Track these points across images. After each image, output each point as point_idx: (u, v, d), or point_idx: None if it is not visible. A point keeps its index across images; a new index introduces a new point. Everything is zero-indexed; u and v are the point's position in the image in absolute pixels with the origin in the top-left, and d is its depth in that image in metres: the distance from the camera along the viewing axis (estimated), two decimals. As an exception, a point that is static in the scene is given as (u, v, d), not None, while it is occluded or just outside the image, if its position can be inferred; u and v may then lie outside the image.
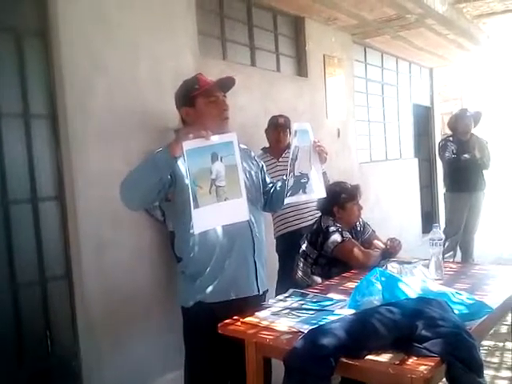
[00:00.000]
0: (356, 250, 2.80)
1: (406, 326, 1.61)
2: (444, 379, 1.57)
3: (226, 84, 2.15)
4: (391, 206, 6.57)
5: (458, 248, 5.60)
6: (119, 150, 2.80)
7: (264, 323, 1.90)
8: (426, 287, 1.94)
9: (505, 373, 3.12)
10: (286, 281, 3.08)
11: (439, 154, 5.65)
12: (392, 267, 2.42)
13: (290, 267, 3.15)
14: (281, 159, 3.64)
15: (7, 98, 2.48)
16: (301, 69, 4.96)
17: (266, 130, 3.83)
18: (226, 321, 1.95)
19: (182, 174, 1.99)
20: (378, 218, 5.43)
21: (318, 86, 5.06)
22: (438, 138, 7.91)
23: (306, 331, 1.71)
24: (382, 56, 6.83)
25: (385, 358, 1.55)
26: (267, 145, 3.84)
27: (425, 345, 1.55)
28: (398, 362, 1.52)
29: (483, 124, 5.71)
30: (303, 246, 3.00)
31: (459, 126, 5.43)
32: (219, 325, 1.94)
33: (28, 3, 2.58)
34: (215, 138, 1.79)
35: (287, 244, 3.61)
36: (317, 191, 2.16)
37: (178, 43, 3.27)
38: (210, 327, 1.99)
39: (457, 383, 1.52)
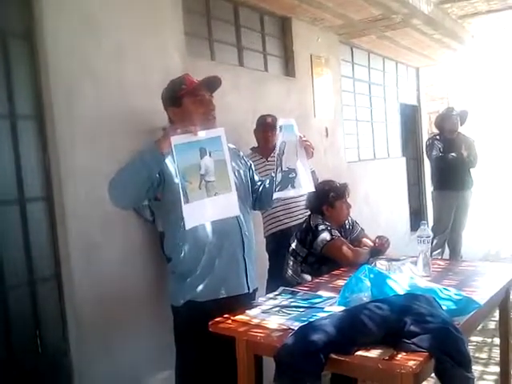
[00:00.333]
0: (345, 248, 2.82)
1: (395, 322, 1.63)
2: (433, 374, 1.59)
3: (212, 83, 2.15)
4: (379, 205, 6.61)
5: (446, 246, 5.65)
6: (107, 151, 2.79)
7: (255, 321, 1.91)
8: (414, 284, 1.95)
9: (493, 368, 3.16)
10: (276, 279, 3.09)
11: (426, 152, 5.70)
12: (380, 264, 2.44)
13: (279, 266, 3.16)
14: (270, 159, 3.65)
15: (-7, 99, 2.46)
16: (288, 69, 4.97)
17: (255, 130, 3.84)
18: (217, 319, 1.96)
19: (171, 172, 1.99)
20: (366, 216, 5.46)
21: (305, 86, 5.08)
22: (425, 137, 7.97)
23: (296, 328, 1.72)
24: (368, 56, 6.87)
25: (374, 353, 1.57)
26: (256, 144, 3.85)
27: (413, 340, 1.57)
28: (387, 358, 1.53)
29: (470, 123, 5.77)
30: (293, 245, 3.01)
31: (446, 124, 5.48)
32: (210, 323, 1.95)
33: (13, 4, 2.56)
34: (203, 134, 1.80)
35: (277, 243, 3.63)
36: (305, 186, 2.17)
37: (165, 44, 3.27)
38: (200, 326, 1.99)
39: (445, 378, 1.53)
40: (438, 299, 1.79)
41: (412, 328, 1.59)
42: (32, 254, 2.58)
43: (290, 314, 1.95)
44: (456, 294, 1.87)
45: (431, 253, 4.04)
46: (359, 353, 1.58)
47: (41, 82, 2.61)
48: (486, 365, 3.27)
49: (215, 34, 4.08)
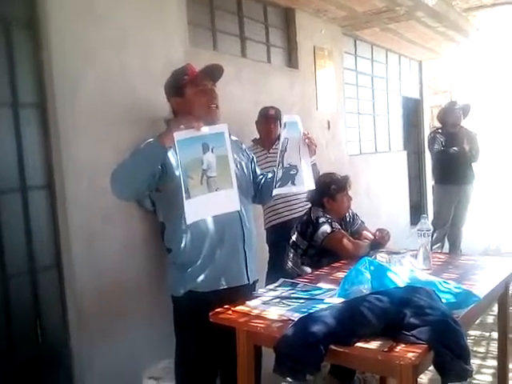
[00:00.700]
0: (345, 241, 2.82)
1: (395, 314, 1.63)
2: (431, 366, 1.60)
3: (214, 72, 2.14)
4: (380, 198, 6.61)
5: (446, 240, 5.66)
6: (109, 140, 2.79)
7: (255, 312, 1.92)
8: (415, 276, 1.96)
9: (491, 362, 3.17)
10: (276, 271, 3.10)
11: (428, 146, 5.68)
12: (381, 257, 2.45)
13: (280, 258, 3.17)
14: (271, 151, 3.64)
15: (-5, 87, 2.46)
16: (291, 60, 4.95)
17: (257, 122, 3.83)
18: (218, 309, 1.97)
19: (173, 164, 1.99)
20: (367, 209, 5.46)
21: (308, 78, 5.06)
22: (427, 131, 7.96)
23: (296, 319, 1.72)
24: (371, 48, 6.85)
25: (374, 345, 1.57)
26: (258, 136, 3.85)
27: (413, 332, 1.57)
28: (386, 349, 1.54)
29: (472, 117, 5.75)
30: (293, 237, 3.02)
31: (448, 118, 5.46)
32: (211, 313, 1.95)
33: (17, -7, 2.56)
34: (206, 129, 1.80)
35: (277, 235, 3.63)
36: (306, 183, 2.16)
37: (168, 33, 3.26)
38: (200, 316, 2.00)
39: (444, 370, 1.54)
40: (437, 292, 1.79)
41: (411, 320, 1.59)
42: (33, 242, 2.59)
43: (290, 305, 1.95)
44: (456, 287, 1.87)
45: (431, 247, 4.03)
46: (359, 344, 1.58)
47: (44, 70, 2.61)
48: (483, 358, 3.28)
49: (218, 24, 4.07)
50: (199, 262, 2.08)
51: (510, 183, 10.83)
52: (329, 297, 1.98)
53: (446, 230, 5.57)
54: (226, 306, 1.98)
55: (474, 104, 5.92)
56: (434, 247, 5.28)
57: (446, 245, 5.67)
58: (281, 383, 2.89)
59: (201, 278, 2.08)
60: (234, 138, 2.28)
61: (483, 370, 3.10)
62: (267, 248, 3.79)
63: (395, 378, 1.56)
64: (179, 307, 2.16)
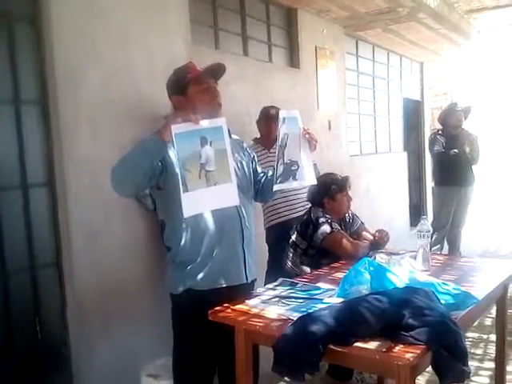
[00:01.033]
0: (345, 241, 2.82)
1: (393, 315, 1.64)
2: (430, 367, 1.60)
3: (217, 71, 2.15)
4: (380, 199, 6.62)
5: (445, 241, 5.66)
6: (110, 138, 2.79)
7: (254, 311, 1.93)
8: (414, 277, 1.96)
9: (488, 364, 3.17)
10: (276, 271, 3.11)
11: (429, 147, 5.70)
12: (380, 258, 2.45)
13: (279, 258, 3.17)
14: (272, 150, 3.64)
15: (-3, 84, 2.46)
16: (293, 60, 4.96)
17: (258, 121, 3.83)
18: (217, 308, 1.97)
19: (173, 161, 1.99)
20: (367, 210, 5.46)
21: (309, 78, 5.07)
22: (427, 132, 7.97)
23: (295, 318, 1.73)
24: (373, 49, 6.85)
25: (372, 345, 1.58)
26: (258, 135, 3.85)
27: (411, 333, 1.58)
28: (384, 350, 1.55)
29: (473, 119, 5.75)
30: (293, 237, 3.02)
31: (450, 120, 5.47)
32: (210, 311, 1.96)
33: (19, -12, 2.56)
34: (204, 123, 1.80)
35: (277, 235, 3.63)
36: (307, 178, 2.17)
37: (171, 31, 3.25)
38: (198, 314, 2.01)
39: (442, 371, 1.55)
40: (436, 293, 1.80)
41: (410, 321, 1.60)
42: (33, 239, 2.59)
43: (289, 304, 1.96)
44: (454, 289, 1.88)
45: (430, 248, 4.03)
46: (357, 344, 1.59)
47: (46, 67, 2.60)
48: (481, 360, 3.29)
49: (220, 23, 4.07)
50: (198, 260, 2.09)
51: (509, 186, 10.84)
52: (328, 297, 1.99)
53: (446, 231, 5.58)
54: (225, 305, 1.99)
55: (474, 106, 5.92)
56: (434, 249, 5.29)
57: (446, 246, 5.68)
58: (278, 382, 2.89)
59: (200, 276, 2.09)
60: (235, 136, 2.29)
61: (481, 372, 3.10)
62: (267, 247, 3.79)
63: (393, 378, 1.57)
64: (178, 305, 2.17)
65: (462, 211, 5.58)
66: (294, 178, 2.14)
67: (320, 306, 1.85)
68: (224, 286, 2.11)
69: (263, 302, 2.02)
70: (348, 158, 5.87)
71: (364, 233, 3.12)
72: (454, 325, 1.61)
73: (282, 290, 2.16)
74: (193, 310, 2.08)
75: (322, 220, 2.89)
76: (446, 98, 10.23)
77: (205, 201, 1.82)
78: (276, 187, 2.14)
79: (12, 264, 2.50)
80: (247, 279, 2.20)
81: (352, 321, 1.64)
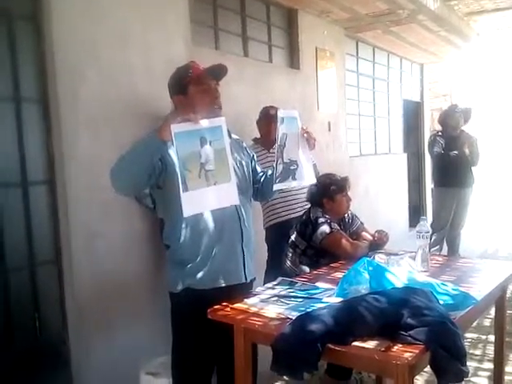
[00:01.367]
0: (344, 241, 2.83)
1: (392, 314, 1.64)
2: (428, 367, 1.61)
3: (218, 72, 2.15)
4: (380, 200, 6.62)
5: (445, 243, 5.67)
6: (110, 138, 2.79)
7: (253, 309, 1.93)
8: (413, 277, 1.97)
9: (487, 365, 3.17)
10: (275, 270, 3.11)
11: (428, 149, 5.70)
12: (379, 258, 2.46)
13: (278, 257, 3.17)
14: (272, 150, 3.64)
15: (-2, 81, 2.46)
16: (293, 61, 4.96)
17: (258, 121, 3.83)
18: (216, 306, 1.97)
19: (173, 161, 1.99)
20: (366, 211, 5.45)
21: (309, 79, 5.07)
22: (427, 134, 7.98)
23: (294, 318, 1.73)
24: (373, 50, 6.86)
25: (371, 344, 1.58)
26: (258, 135, 3.85)
27: (410, 333, 1.58)
28: (383, 349, 1.55)
29: (472, 121, 5.76)
30: (292, 237, 3.03)
31: (449, 121, 5.48)
32: (209, 310, 1.96)
33: (20, -13, 2.56)
34: (204, 122, 1.80)
35: (276, 234, 3.63)
36: (307, 178, 2.17)
37: (170, 31, 3.26)
38: (197, 313, 2.01)
39: (440, 370, 1.55)
40: (435, 293, 1.80)
41: (409, 321, 1.60)
42: (33, 237, 2.59)
43: (288, 303, 1.96)
44: (453, 289, 1.89)
45: (429, 249, 4.02)
46: (356, 343, 1.59)
47: (46, 65, 2.61)
48: (480, 361, 3.29)
49: (221, 23, 4.07)
50: (198, 259, 2.09)
51: (509, 187, 10.85)
52: (327, 296, 1.99)
53: (445, 232, 5.58)
54: (224, 303, 1.99)
55: (474, 108, 5.93)
56: (433, 250, 5.29)
57: (445, 247, 5.68)
58: (277, 381, 2.90)
59: (199, 275, 2.09)
60: (235, 136, 2.29)
61: (479, 373, 3.10)
62: (266, 247, 3.80)
63: (392, 377, 1.57)
64: (177, 304, 2.17)
65: (461, 212, 5.59)
66: (294, 178, 2.15)
67: (319, 305, 1.85)
68: (223, 285, 2.12)
69: (262, 300, 2.02)
70: (348, 158, 5.87)
71: (363, 233, 3.12)
72: (453, 325, 1.61)
73: (281, 289, 2.16)
74: (192, 308, 2.08)
75: (321, 220, 2.89)
76: (446, 99, 10.24)
77: (205, 200, 1.82)
78: (275, 187, 2.14)
79: (12, 261, 2.51)
80: (246, 279, 2.20)
81: (351, 320, 1.64)
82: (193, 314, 2.08)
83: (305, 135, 2.15)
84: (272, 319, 1.82)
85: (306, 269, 2.88)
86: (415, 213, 7.73)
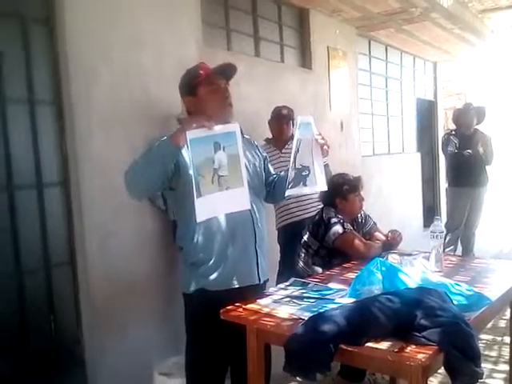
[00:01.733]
0: (357, 242, 2.81)
1: (406, 315, 1.63)
2: (442, 368, 1.59)
3: (228, 71, 2.14)
4: (393, 200, 6.59)
5: (459, 242, 5.62)
6: (122, 139, 2.81)
7: (265, 310, 1.92)
8: (426, 278, 1.95)
9: (502, 366, 3.14)
10: (288, 271, 3.11)
11: (442, 148, 5.66)
12: (393, 258, 2.44)
13: (291, 258, 3.17)
14: (284, 150, 3.64)
15: (13, 84, 2.49)
16: (305, 60, 4.95)
17: (270, 121, 3.83)
18: (228, 307, 1.98)
19: (186, 163, 1.99)
20: (380, 211, 5.44)
21: (321, 78, 5.06)
22: (441, 133, 7.91)
23: (306, 318, 1.73)
24: (386, 49, 6.83)
25: (384, 345, 1.57)
26: (270, 136, 3.85)
27: (423, 334, 1.57)
28: (396, 350, 1.54)
29: (487, 119, 5.71)
30: (305, 237, 3.02)
31: (462, 120, 5.43)
32: (222, 310, 1.96)
33: (34, -10, 2.59)
34: (218, 128, 1.80)
35: (289, 235, 3.63)
36: (318, 184, 2.14)
37: (182, 32, 3.27)
38: (210, 314, 2.01)
39: (454, 372, 1.53)
40: (449, 294, 1.79)
41: (422, 321, 1.59)
42: (48, 238, 2.62)
43: (300, 304, 1.96)
44: (467, 290, 1.87)
45: (444, 249, 4.01)
46: (369, 344, 1.58)
47: (60, 67, 2.63)
48: (495, 363, 3.26)
49: (232, 24, 4.08)
50: (211, 261, 2.09)
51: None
52: (339, 297, 1.98)
53: (459, 232, 5.54)
54: (236, 304, 1.99)
55: (488, 106, 5.87)
56: (447, 250, 5.25)
57: (459, 248, 5.63)
58: (290, 382, 2.89)
59: (212, 276, 2.09)
60: (247, 136, 2.29)
61: (494, 375, 3.07)
62: (278, 248, 3.80)
63: (405, 379, 1.56)
64: (190, 304, 2.18)
65: (475, 212, 5.53)
66: (305, 184, 2.11)
67: (331, 306, 1.84)
68: (236, 286, 2.12)
69: (275, 301, 2.01)
70: (360, 158, 5.85)
71: (376, 233, 3.10)
72: (467, 326, 1.59)
73: (293, 290, 2.16)
74: (204, 309, 2.09)
75: (334, 220, 2.88)
76: (460, 98, 10.15)
77: (217, 205, 1.83)
78: (287, 192, 2.11)
79: (27, 263, 2.53)
80: (259, 280, 2.20)
81: (363, 321, 1.63)
82: (206, 315, 2.08)
83: (319, 141, 2.10)
84: (284, 320, 1.82)
85: (319, 269, 2.87)
86: (429, 213, 7.67)
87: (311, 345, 1.58)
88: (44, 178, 2.60)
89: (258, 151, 2.35)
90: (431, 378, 1.75)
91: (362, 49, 6.16)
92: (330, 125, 5.10)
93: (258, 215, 2.18)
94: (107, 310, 2.74)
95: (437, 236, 2.44)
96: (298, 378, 2.76)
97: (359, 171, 4.76)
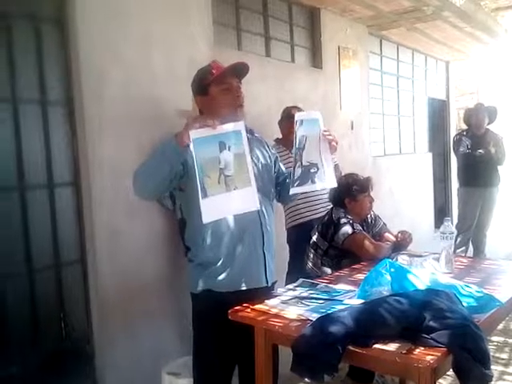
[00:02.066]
0: (367, 242, 2.80)
1: (414, 317, 1.62)
2: (450, 371, 1.58)
3: (240, 70, 2.12)
4: (404, 200, 6.54)
5: (470, 244, 5.58)
6: (133, 139, 2.83)
7: (273, 311, 1.93)
8: (435, 279, 1.94)
9: (513, 368, 3.12)
10: (297, 272, 3.10)
11: (453, 148, 5.62)
12: (402, 259, 2.43)
13: (300, 258, 3.16)
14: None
15: (25, 85, 2.51)
16: (315, 60, 4.94)
17: (280, 122, 3.82)
18: (237, 307, 1.98)
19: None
20: (390, 211, 5.41)
21: (332, 78, 5.04)
22: (453, 133, 7.85)
23: (314, 319, 1.73)
24: (397, 48, 6.78)
25: (392, 347, 1.57)
26: (280, 136, 3.85)
27: (432, 335, 1.56)
28: (405, 352, 1.53)
29: (499, 119, 5.66)
30: (314, 238, 3.01)
31: (473, 120, 5.40)
32: (230, 311, 1.97)
33: (46, -10, 2.61)
34: (222, 128, 1.78)
35: (298, 235, 3.62)
36: (327, 181, 2.09)
37: (193, 32, 3.28)
38: (217, 314, 2.01)
39: (463, 374, 1.52)
40: (458, 295, 1.78)
41: (431, 323, 1.58)
42: (58, 237, 2.64)
43: (308, 305, 1.95)
44: (477, 292, 1.85)
45: (455, 250, 3.98)
46: (377, 346, 1.58)
47: (71, 68, 2.65)
48: (506, 365, 3.23)
49: (243, 24, 4.09)
50: (219, 262, 2.08)
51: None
52: (348, 298, 1.98)
53: (471, 233, 5.50)
54: (245, 305, 1.99)
55: (501, 106, 5.82)
56: (459, 251, 5.22)
57: (470, 249, 5.59)
58: (298, 383, 2.89)
59: (220, 278, 2.08)
60: (257, 135, 2.28)
61: (505, 377, 3.04)
62: (288, 248, 3.79)
63: (414, 380, 1.55)
64: (197, 304, 2.18)
65: (487, 213, 5.49)
66: (313, 181, 2.06)
67: (340, 307, 1.83)
68: (244, 288, 2.11)
69: (283, 302, 2.01)
70: (371, 158, 5.82)
71: (386, 234, 3.09)
72: (476, 328, 1.58)
73: (302, 291, 2.15)
74: (211, 310, 2.08)
75: (343, 221, 2.88)
76: (473, 97, 10.08)
77: (224, 206, 1.81)
78: (293, 190, 2.07)
79: (38, 261, 2.55)
80: (268, 282, 2.18)
81: (372, 322, 1.63)
82: (213, 316, 2.08)
83: (327, 137, 2.08)
84: (292, 320, 1.82)
85: (328, 270, 2.86)
86: (441, 213, 7.61)
87: (319, 346, 1.58)
88: (55, 177, 2.62)
89: (268, 150, 2.33)
90: (440, 380, 1.74)
91: (373, 48, 6.12)
92: (340, 124, 5.08)
93: (266, 217, 2.16)
94: (116, 309, 2.76)
95: (447, 237, 2.43)
96: (305, 379, 2.76)
97: (370, 171, 4.74)
